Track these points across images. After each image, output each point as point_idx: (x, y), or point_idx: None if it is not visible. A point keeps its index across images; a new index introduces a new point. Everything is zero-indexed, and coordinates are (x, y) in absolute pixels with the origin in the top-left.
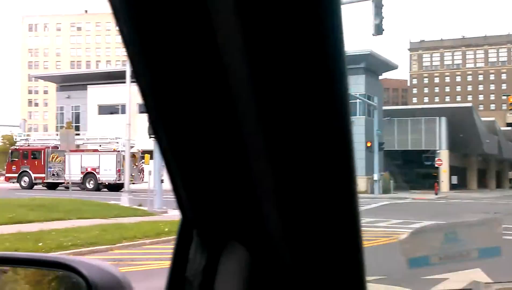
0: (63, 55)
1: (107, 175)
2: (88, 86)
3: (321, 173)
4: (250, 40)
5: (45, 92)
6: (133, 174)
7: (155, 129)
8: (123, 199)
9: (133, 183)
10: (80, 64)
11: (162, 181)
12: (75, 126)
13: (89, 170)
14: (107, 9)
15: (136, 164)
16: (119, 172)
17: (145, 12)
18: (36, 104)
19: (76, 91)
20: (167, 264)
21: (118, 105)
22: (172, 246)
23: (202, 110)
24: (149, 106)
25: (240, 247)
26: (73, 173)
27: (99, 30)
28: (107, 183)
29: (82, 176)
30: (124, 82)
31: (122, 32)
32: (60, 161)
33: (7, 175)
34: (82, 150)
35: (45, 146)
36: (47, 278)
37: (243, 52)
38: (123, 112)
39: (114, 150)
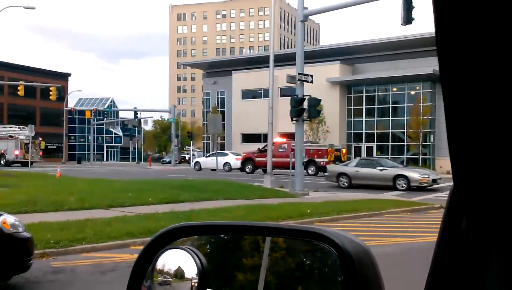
0: (209, 42)
1: (11, 155)
2: (232, 72)
3: None
4: None
5: (193, 78)
6: (33, 155)
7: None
8: (266, 181)
9: (34, 161)
10: (225, 51)
11: (303, 163)
12: (220, 110)
13: (2, 152)
14: None
15: (36, 148)
16: (19, 153)
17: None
18: (185, 91)
19: (221, 77)
20: None
21: (260, 90)
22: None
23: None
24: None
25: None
26: None
27: (243, 16)
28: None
29: None
30: (267, 67)
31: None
32: None
33: None
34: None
35: None
36: (301, 247)
37: None
38: (265, 96)
39: (14, 138)
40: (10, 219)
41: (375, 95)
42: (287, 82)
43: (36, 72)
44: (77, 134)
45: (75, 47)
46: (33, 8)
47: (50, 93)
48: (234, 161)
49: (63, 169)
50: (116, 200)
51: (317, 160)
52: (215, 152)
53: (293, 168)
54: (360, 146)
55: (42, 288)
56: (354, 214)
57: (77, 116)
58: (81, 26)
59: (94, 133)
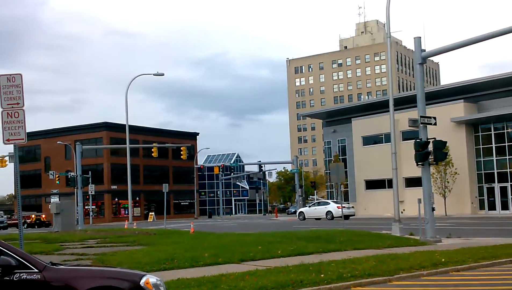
0: (326, 91)
1: None
2: (352, 119)
3: None
4: None
5: (313, 128)
6: None
7: None
8: (394, 228)
9: None
10: (343, 98)
11: (433, 209)
12: (342, 158)
13: None
14: (365, 42)
15: None
16: None
17: None
18: (305, 141)
19: (341, 125)
20: None
21: (381, 135)
22: (453, 277)
23: None
24: None
25: None
26: None
27: (359, 63)
28: None
29: None
30: (386, 111)
31: None
32: None
33: None
34: None
35: None
36: None
37: None
38: (387, 141)
39: None
40: (152, 279)
41: (504, 132)
42: (409, 126)
43: (167, 134)
44: (207, 190)
45: (204, 107)
46: (162, 75)
47: (181, 152)
48: (336, 209)
49: (196, 224)
50: (247, 254)
51: None
52: (318, 201)
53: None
54: (493, 187)
55: None
56: (493, 261)
57: (206, 173)
58: (213, 88)
59: (222, 188)
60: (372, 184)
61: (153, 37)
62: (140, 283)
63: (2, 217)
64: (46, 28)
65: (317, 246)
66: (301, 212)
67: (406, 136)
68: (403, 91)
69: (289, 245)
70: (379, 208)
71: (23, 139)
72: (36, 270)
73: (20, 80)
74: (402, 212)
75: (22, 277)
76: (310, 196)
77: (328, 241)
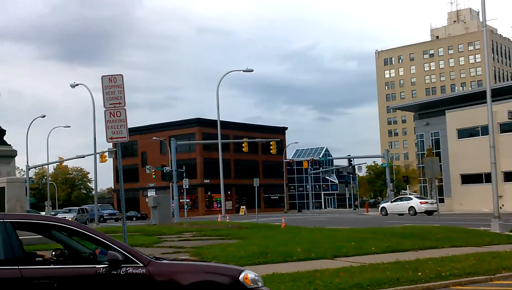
0: (417, 83)
1: None
2: (445, 111)
3: None
4: None
5: (403, 121)
6: None
7: None
8: (493, 225)
9: None
10: (435, 90)
11: None
12: (435, 152)
13: None
14: (458, 31)
15: None
16: None
17: None
18: (396, 134)
19: (434, 118)
20: None
21: (477, 127)
22: None
23: None
24: None
25: None
26: None
27: (451, 53)
28: None
29: None
30: (482, 103)
31: None
32: None
33: None
34: None
35: None
36: None
37: None
38: (484, 133)
39: None
40: (250, 274)
41: None
42: (508, 118)
43: (256, 129)
44: (296, 184)
45: (292, 101)
46: (251, 71)
47: (271, 147)
48: (419, 205)
49: (286, 218)
50: (340, 250)
51: None
52: (400, 196)
53: None
54: None
55: None
56: None
57: (295, 167)
58: (301, 82)
59: (311, 182)
60: (468, 179)
61: (243, 33)
62: (239, 278)
63: (115, 209)
64: (141, 27)
65: (412, 243)
66: (383, 207)
67: (504, 128)
68: (499, 81)
69: (383, 241)
70: (476, 203)
71: (125, 137)
72: (141, 265)
73: (121, 80)
74: (501, 208)
75: (128, 271)
76: (402, 191)
77: (424, 237)
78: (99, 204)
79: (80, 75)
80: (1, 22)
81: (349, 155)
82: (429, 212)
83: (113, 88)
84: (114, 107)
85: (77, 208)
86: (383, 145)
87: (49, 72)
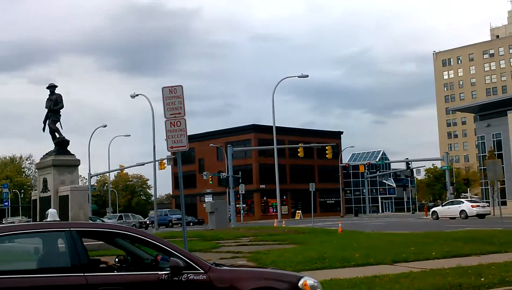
0: (477, 84)
1: None
2: (507, 111)
3: None
4: None
5: (463, 123)
6: None
7: None
8: None
9: None
10: (496, 90)
11: None
12: (497, 154)
13: None
14: None
15: None
16: None
17: None
18: (456, 136)
19: (495, 119)
20: None
21: None
22: None
23: None
24: None
25: None
26: None
27: None
28: None
29: None
30: None
31: None
32: None
33: None
34: None
35: None
36: None
37: None
38: None
39: None
40: (310, 281)
41: None
42: None
43: (311, 134)
44: (352, 188)
45: (346, 106)
46: (306, 76)
47: (326, 152)
48: (470, 208)
49: (342, 223)
50: (400, 255)
51: None
52: (451, 200)
53: None
54: None
55: None
56: None
57: (351, 171)
58: (356, 86)
59: (368, 186)
60: None
61: (297, 39)
62: (298, 284)
63: (180, 214)
64: (199, 36)
65: (474, 248)
66: (434, 211)
67: None
68: None
69: (444, 246)
70: None
71: (185, 146)
72: (202, 271)
73: (181, 91)
74: None
75: (190, 277)
76: (462, 193)
77: (486, 242)
78: (167, 209)
79: (139, 85)
80: (64, 36)
81: (407, 158)
82: (480, 216)
83: (173, 99)
84: (174, 117)
85: (118, 214)
86: (442, 148)
87: (109, 83)
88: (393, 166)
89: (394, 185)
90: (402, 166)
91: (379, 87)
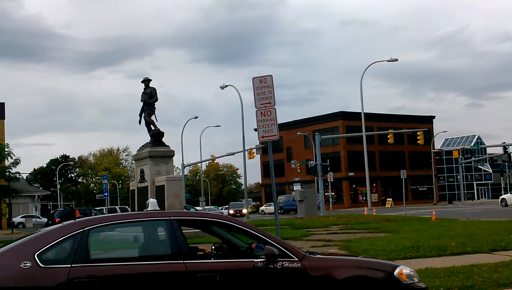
0: None
1: None
2: None
3: None
4: None
5: None
6: None
7: None
8: None
9: None
10: None
11: None
12: None
13: None
14: None
15: None
16: None
17: None
18: None
19: None
20: None
21: None
22: None
23: None
24: None
25: None
26: None
27: None
28: None
29: None
30: None
31: None
32: None
33: None
34: None
35: None
36: None
37: None
38: None
39: None
40: (406, 270)
41: None
42: None
43: (401, 119)
44: (445, 174)
45: (439, 89)
46: (396, 60)
47: (418, 137)
48: None
49: (436, 210)
50: (498, 243)
51: None
52: None
53: None
54: None
55: None
56: None
57: (444, 157)
58: (450, 68)
59: (462, 172)
60: None
61: (387, 22)
62: (394, 273)
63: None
64: (285, 25)
65: None
66: (503, 199)
67: None
68: None
69: None
70: None
71: (275, 135)
72: (296, 259)
73: (270, 81)
74: None
75: (285, 265)
76: None
77: None
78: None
79: (228, 76)
80: (159, 31)
81: (504, 143)
82: None
83: (263, 89)
84: (265, 107)
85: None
86: None
87: (200, 75)
88: (489, 150)
89: (490, 170)
90: (499, 150)
91: (475, 69)
